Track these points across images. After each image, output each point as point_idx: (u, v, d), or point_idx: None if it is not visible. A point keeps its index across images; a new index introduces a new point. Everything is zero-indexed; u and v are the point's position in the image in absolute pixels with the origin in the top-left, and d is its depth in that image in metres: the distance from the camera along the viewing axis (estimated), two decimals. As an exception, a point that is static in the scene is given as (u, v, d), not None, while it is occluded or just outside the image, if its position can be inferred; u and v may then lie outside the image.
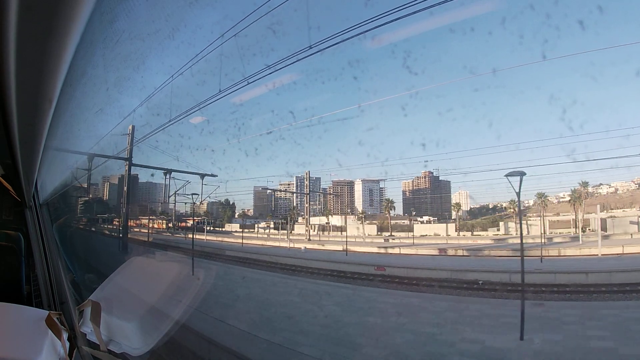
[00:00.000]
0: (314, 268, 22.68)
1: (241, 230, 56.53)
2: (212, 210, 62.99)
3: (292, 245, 35.99)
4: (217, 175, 29.80)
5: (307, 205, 54.10)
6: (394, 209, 55.79)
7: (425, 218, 56.62)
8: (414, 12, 10.39)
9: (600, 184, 48.93)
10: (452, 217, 58.01)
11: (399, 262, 23.61)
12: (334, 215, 60.95)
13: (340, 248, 34.61)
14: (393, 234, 49.26)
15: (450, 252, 30.20)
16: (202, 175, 28.37)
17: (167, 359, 4.06)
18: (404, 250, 32.09)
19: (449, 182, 60.95)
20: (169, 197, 26.91)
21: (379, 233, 50.84)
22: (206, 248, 33.58)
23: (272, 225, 59.46)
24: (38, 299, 3.24)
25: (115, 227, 49.04)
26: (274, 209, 66.89)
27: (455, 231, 47.91)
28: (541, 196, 47.40)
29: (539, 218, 47.00)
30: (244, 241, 41.89)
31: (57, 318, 1.95)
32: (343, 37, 12.01)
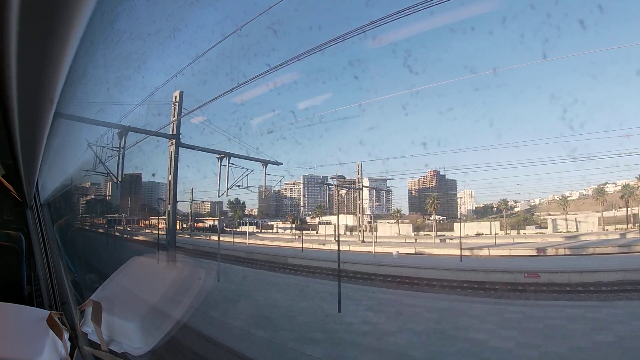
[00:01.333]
0: (461, 281, 18.84)
1: (259, 230, 53.99)
2: (215, 209, 62.72)
3: (376, 249, 31.54)
4: (281, 163, 25.00)
5: (359, 202, 48.64)
6: (437, 207, 54.19)
7: (435, 217, 55.83)
8: (415, 11, 10.34)
9: (606, 183, 48.71)
10: (458, 216, 57.73)
11: (533, 266, 20.34)
12: (339, 215, 60.15)
13: (410, 250, 31.29)
14: (437, 233, 47.19)
15: (550, 251, 28.08)
16: (265, 163, 23.05)
17: (168, 358, 4.07)
18: (493, 252, 29.35)
19: (455, 180, 60.90)
20: (227, 188, 21.65)
21: (415, 233, 49.25)
22: (263, 255, 29.12)
23: (290, 226, 58.29)
24: (39, 299, 3.24)
25: (130, 229, 48.03)
26: (280, 209, 66.66)
27: (501, 229, 45.83)
28: (600, 191, 45.74)
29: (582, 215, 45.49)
30: (292, 244, 37.34)
31: (58, 318, 1.95)
32: (344, 36, 11.97)
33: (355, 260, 24.91)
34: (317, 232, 52.05)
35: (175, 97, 20.07)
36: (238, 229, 53.63)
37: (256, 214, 63.98)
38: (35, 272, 3.47)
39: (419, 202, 61.69)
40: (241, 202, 59.16)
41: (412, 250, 31.36)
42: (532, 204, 57.30)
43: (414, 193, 63.34)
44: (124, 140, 18.07)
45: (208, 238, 44.79)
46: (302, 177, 60.68)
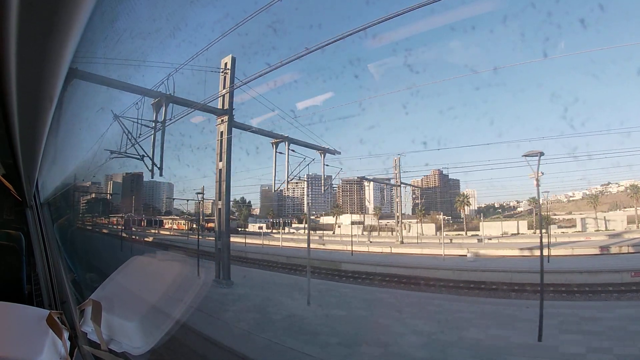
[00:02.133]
0: (582, 284, 16.91)
1: (270, 230, 51.32)
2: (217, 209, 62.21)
3: (431, 251, 29.01)
4: (340, 152, 21.95)
5: (397, 199, 42.48)
6: (469, 204, 52.35)
7: (439, 217, 55.08)
8: (415, 9, 10.33)
9: (609, 183, 48.46)
10: (462, 216, 57.38)
11: (627, 266, 18.61)
12: (342, 214, 59.48)
13: (459, 252, 28.65)
14: (467, 233, 45.40)
15: (613, 249, 27.05)
16: (323, 152, 19.82)
17: (168, 358, 4.07)
18: (554, 252, 26.12)
19: (458, 180, 60.63)
20: (288, 180, 18.41)
21: (446, 233, 47.94)
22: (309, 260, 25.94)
23: (298, 226, 57.07)
24: (39, 298, 3.24)
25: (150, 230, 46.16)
26: (282, 208, 66.39)
27: (529, 229, 44.41)
28: (634, 188, 44.76)
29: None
30: (325, 246, 34.52)
31: (58, 317, 1.95)
32: (344, 35, 11.94)
33: (430, 265, 21.89)
34: (334, 233, 50.70)
35: (226, 64, 15.92)
36: (247, 229, 52.13)
37: (257, 213, 63.71)
38: (35, 271, 3.47)
39: (424, 201, 61.39)
40: (247, 202, 58.85)
41: (461, 252, 28.52)
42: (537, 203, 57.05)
43: (417, 192, 63.13)
44: (163, 112, 14.55)
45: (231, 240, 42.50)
46: (305, 176, 60.15)
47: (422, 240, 40.46)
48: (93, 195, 47.04)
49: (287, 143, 18.09)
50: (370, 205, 62.10)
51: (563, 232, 41.79)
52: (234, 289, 15.62)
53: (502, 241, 37.29)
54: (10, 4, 0.97)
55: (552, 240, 34.84)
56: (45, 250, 3.48)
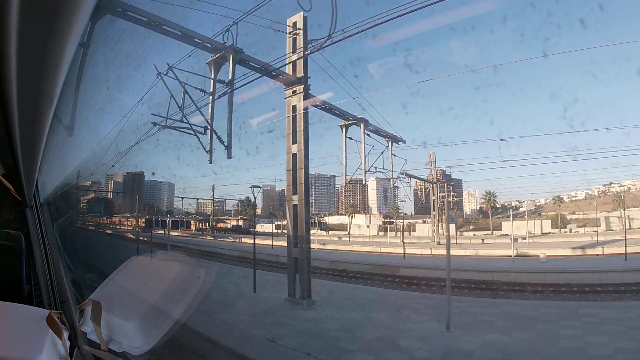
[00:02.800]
0: None
1: (279, 231, 50.74)
2: (217, 209, 62.10)
3: (497, 253, 27.01)
4: (405, 141, 18.87)
5: (433, 197, 39.36)
6: (495, 202, 51.25)
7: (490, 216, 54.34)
8: (415, 9, 10.28)
9: (611, 183, 48.36)
10: (463, 216, 57.20)
11: None
12: (354, 215, 58.92)
13: (504, 252, 27.11)
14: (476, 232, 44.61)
15: None
16: (391, 139, 17.13)
17: (167, 358, 4.06)
18: (607, 250, 26.30)
19: (461, 180, 60.63)
20: (365, 170, 16.03)
21: (457, 232, 47.31)
22: (362, 265, 22.88)
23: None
24: (39, 298, 3.24)
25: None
26: (284, 208, 66.04)
27: (553, 227, 44.31)
28: None
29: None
30: (364, 249, 33.01)
31: (58, 317, 1.95)
32: (344, 35, 11.87)
33: (507, 268, 20.21)
34: (348, 233, 50.42)
35: (294, 23, 12.93)
36: (256, 230, 52.03)
37: (260, 213, 63.32)
38: (35, 271, 3.47)
39: (425, 201, 61.10)
40: (252, 201, 58.33)
41: (508, 252, 26.74)
42: (538, 203, 57.06)
43: (419, 193, 62.96)
44: (230, 71, 11.95)
45: (238, 241, 39.87)
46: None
47: (447, 240, 39.68)
48: (94, 194, 46.89)
49: (362, 125, 15.08)
50: (374, 205, 61.88)
51: (594, 231, 39.75)
52: (321, 311, 12.03)
53: (537, 241, 36.11)
54: (10, 3, 0.97)
55: (588, 239, 33.91)
56: (45, 250, 3.48)
